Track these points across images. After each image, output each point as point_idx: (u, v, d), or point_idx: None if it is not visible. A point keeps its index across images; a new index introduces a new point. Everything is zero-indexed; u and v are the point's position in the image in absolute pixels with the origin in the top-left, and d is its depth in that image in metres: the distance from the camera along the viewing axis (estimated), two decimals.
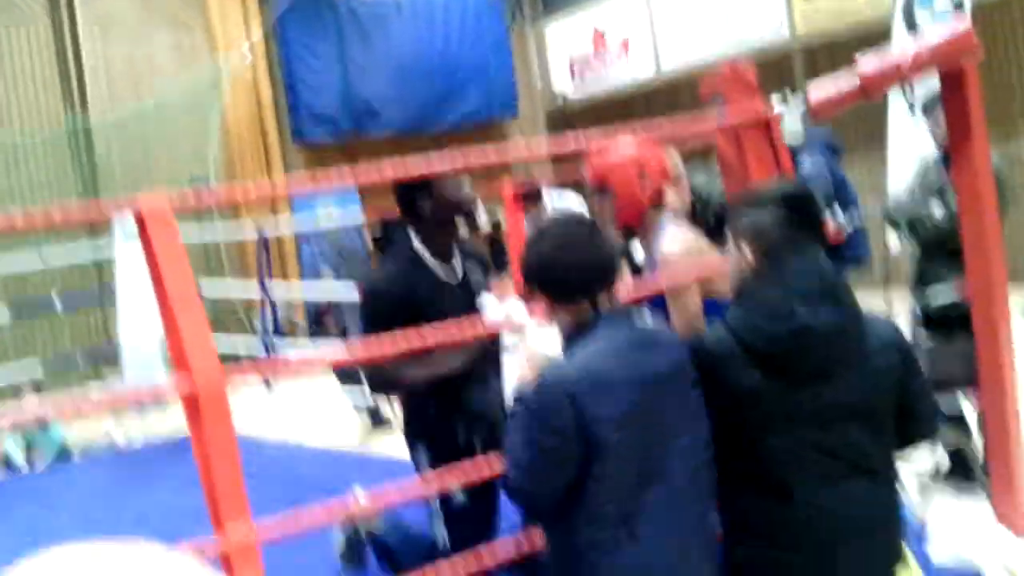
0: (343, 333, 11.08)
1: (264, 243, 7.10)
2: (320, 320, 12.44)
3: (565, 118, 16.34)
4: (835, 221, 3.74)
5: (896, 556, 2.67)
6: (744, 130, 3.53)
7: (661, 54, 14.76)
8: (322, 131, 14.66)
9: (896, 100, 9.01)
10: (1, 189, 12.33)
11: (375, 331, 3.26)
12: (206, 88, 13.68)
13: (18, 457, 8.17)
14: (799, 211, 2.63)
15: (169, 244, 2.39)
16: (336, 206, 13.47)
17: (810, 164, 4.94)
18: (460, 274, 3.60)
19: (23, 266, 9.22)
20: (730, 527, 2.62)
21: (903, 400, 2.62)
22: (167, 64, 13.84)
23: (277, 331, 8.09)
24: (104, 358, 9.56)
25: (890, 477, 2.67)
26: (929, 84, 4.84)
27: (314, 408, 9.34)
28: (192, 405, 2.37)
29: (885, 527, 2.63)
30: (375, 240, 13.83)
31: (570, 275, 2.56)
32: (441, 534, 3.53)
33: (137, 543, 0.82)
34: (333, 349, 6.33)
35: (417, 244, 3.53)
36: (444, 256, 3.56)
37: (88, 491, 6.38)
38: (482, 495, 3.54)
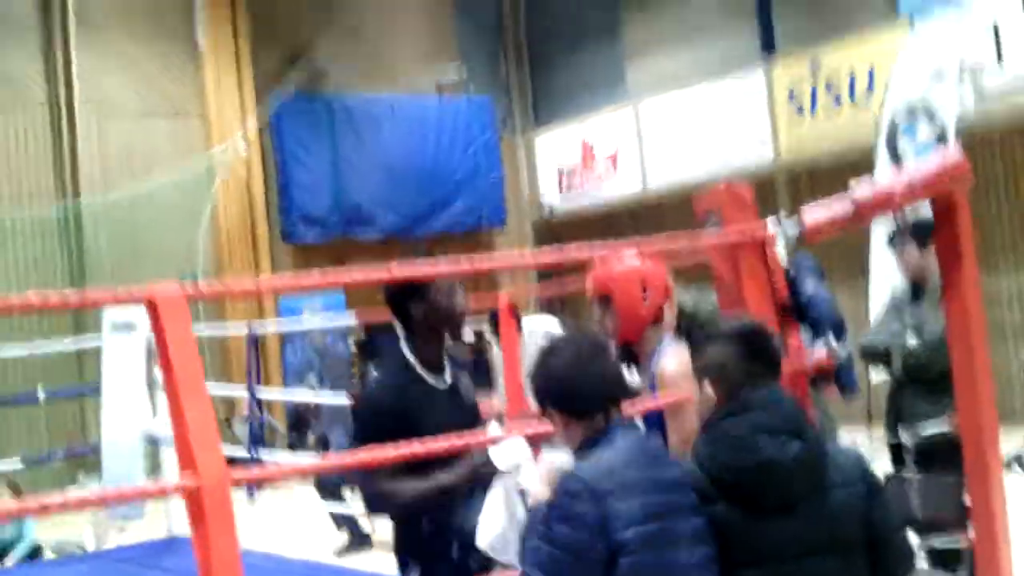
0: (323, 443, 11.02)
1: (254, 343, 7.10)
2: (300, 427, 12.36)
3: (552, 230, 16.53)
4: (828, 347, 3.80)
5: None
6: (740, 249, 3.60)
7: (648, 171, 15.04)
8: (312, 233, 14.80)
9: (878, 230, 9.20)
10: None
11: (369, 443, 3.22)
12: (199, 180, 13.81)
13: None
14: (754, 347, 2.70)
15: (182, 333, 2.42)
16: (322, 309, 13.51)
17: (813, 285, 5.02)
18: (450, 382, 3.57)
19: (5, 354, 9.14)
20: None
21: (872, 533, 2.63)
22: (162, 153, 14.03)
23: (261, 438, 8.09)
24: (82, 456, 9.48)
25: None
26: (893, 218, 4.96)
27: (295, 520, 9.26)
28: (195, 501, 2.37)
29: None
30: (358, 345, 13.84)
31: (585, 391, 2.64)
32: None
33: None
34: (329, 457, 6.26)
35: (408, 352, 3.52)
36: (434, 364, 3.55)
37: None
38: None
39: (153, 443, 7.51)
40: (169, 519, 7.48)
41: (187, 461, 2.40)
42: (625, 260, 3.59)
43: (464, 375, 3.70)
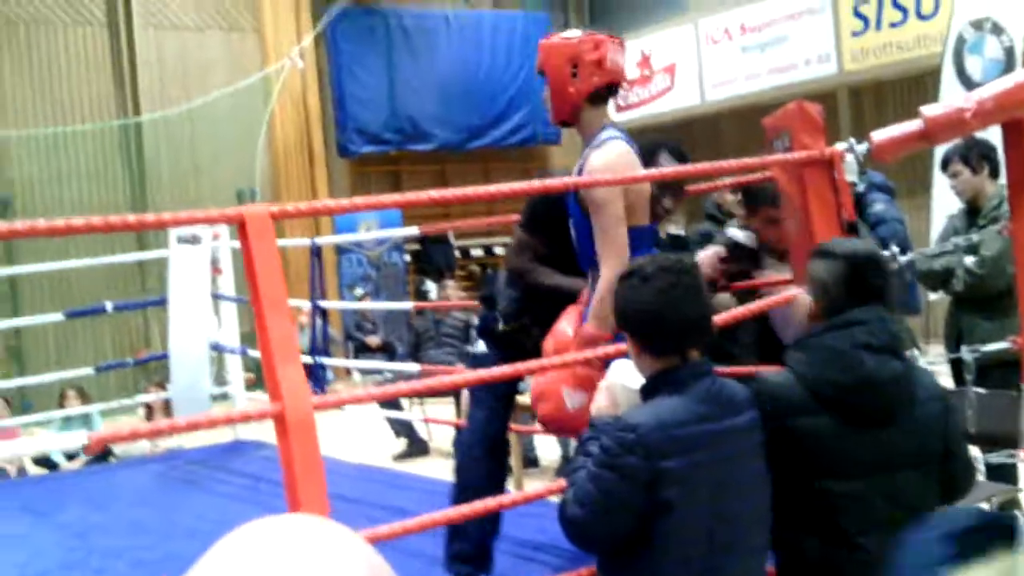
0: (388, 348, 11.19)
1: (317, 254, 7.18)
2: (357, 336, 12.54)
3: None
4: (898, 263, 3.82)
5: None
6: (807, 168, 3.61)
7: (706, 83, 14.84)
8: (368, 146, 14.80)
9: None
10: (54, 189, 12.58)
11: (532, 225, 3.76)
12: (256, 95, 13.85)
13: (58, 456, 8.28)
14: (860, 272, 2.74)
15: (268, 253, 2.49)
16: (377, 221, 13.59)
17: (883, 204, 5.01)
18: None
19: (74, 266, 9.31)
20: (789, 571, 2.69)
21: (946, 447, 2.73)
22: (219, 68, 14.09)
23: (325, 348, 8.22)
24: (146, 364, 9.74)
25: None
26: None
27: (352, 427, 9.41)
28: (281, 423, 2.48)
29: None
30: (415, 256, 13.94)
31: (667, 331, 2.49)
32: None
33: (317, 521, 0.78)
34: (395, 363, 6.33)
35: None
36: None
37: (132, 494, 6.43)
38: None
39: (217, 350, 7.65)
40: (234, 425, 7.63)
41: (273, 385, 2.49)
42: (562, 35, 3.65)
43: None
